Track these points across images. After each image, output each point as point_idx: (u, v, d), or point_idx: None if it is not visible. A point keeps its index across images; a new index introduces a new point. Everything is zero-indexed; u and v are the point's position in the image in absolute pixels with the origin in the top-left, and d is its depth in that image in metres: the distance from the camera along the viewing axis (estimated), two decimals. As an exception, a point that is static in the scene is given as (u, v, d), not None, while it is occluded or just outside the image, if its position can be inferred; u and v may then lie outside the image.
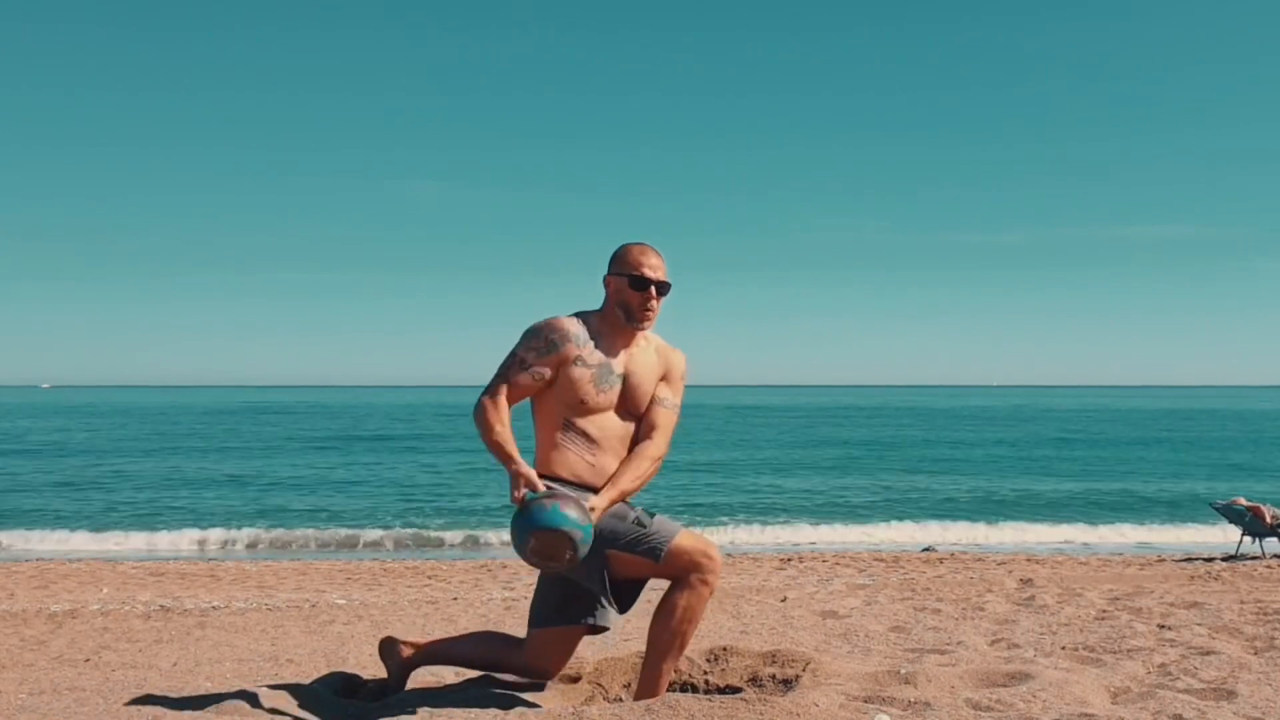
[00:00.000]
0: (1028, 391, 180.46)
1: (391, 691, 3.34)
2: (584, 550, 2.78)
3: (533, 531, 2.75)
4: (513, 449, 2.94)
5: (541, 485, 2.87)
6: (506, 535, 15.16)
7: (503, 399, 2.99)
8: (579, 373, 2.98)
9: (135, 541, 13.93)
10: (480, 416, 2.98)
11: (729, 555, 10.81)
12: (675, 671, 3.24)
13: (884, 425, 49.17)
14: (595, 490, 2.96)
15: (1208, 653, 3.92)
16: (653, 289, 3.04)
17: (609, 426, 3.03)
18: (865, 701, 2.96)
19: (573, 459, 3.00)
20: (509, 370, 3.00)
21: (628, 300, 3.04)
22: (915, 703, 2.95)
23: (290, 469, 25.45)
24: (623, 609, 3.03)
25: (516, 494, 2.84)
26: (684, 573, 2.93)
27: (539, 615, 3.11)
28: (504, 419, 2.98)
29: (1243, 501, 9.78)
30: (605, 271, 3.10)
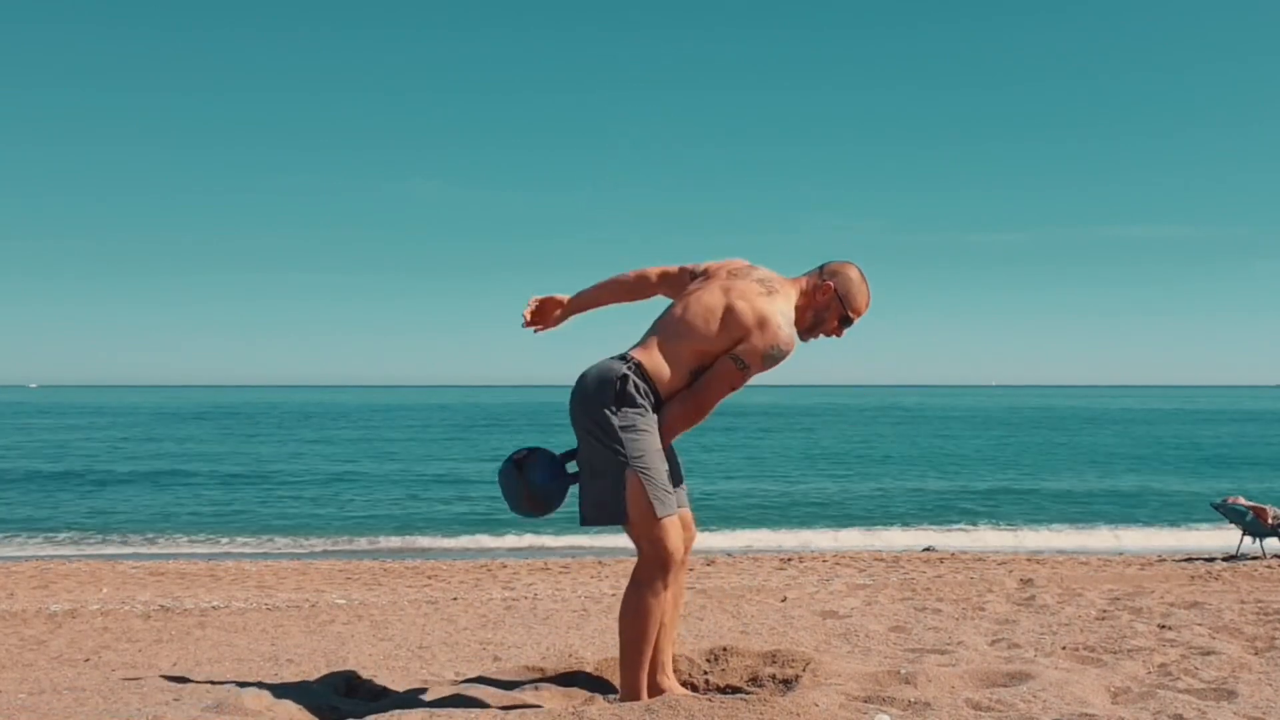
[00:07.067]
0: (1027, 391, 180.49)
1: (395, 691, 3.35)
2: (523, 487, 3.02)
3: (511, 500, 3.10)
4: (586, 291, 3.32)
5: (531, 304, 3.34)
6: (505, 537, 15.11)
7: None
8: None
9: (135, 541, 13.94)
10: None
11: (729, 555, 10.82)
12: (675, 671, 3.23)
13: (883, 424, 49.19)
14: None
15: (1208, 653, 3.91)
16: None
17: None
18: (865, 701, 2.96)
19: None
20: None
21: (825, 323, 3.07)
22: (915, 703, 2.96)
23: (288, 468, 25.46)
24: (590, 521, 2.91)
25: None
26: (643, 558, 2.86)
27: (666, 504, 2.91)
28: (645, 280, 3.26)
29: (1242, 501, 9.77)
30: (821, 267, 3.09)
